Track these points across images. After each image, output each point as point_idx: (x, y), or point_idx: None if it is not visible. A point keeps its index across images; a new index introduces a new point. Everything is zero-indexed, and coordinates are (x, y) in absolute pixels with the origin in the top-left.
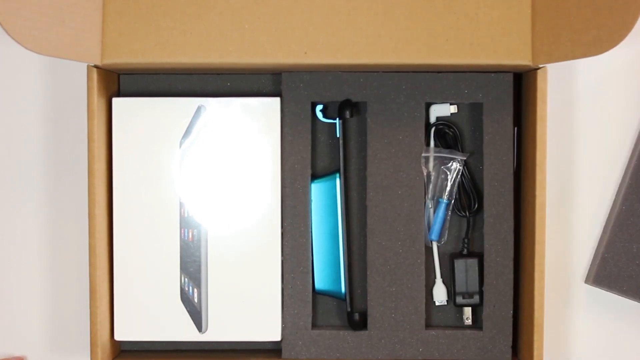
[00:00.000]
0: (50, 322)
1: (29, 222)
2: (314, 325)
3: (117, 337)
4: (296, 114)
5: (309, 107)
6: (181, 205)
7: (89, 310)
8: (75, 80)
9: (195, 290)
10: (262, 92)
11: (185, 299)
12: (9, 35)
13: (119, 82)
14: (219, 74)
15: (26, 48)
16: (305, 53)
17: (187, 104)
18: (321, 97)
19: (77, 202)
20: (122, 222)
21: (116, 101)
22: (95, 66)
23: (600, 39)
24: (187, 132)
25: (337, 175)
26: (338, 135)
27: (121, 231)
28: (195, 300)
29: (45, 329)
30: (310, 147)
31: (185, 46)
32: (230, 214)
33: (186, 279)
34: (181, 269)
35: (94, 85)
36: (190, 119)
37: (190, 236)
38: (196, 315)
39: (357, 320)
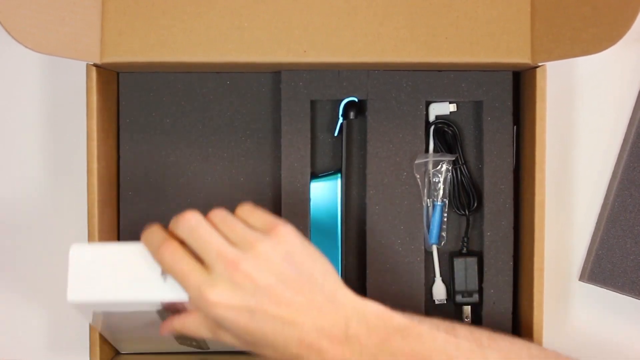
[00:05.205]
0: (49, 322)
1: (28, 222)
2: None
3: None
4: (295, 113)
5: (308, 105)
6: None
7: None
8: (75, 79)
9: None
10: (261, 91)
11: None
12: (8, 33)
13: (118, 80)
14: (218, 72)
15: (25, 46)
16: (305, 51)
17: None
18: (321, 96)
19: (75, 201)
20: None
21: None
22: (95, 65)
23: (599, 37)
24: None
25: (339, 175)
26: (336, 135)
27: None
28: None
29: (44, 330)
30: (309, 146)
31: (185, 45)
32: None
33: None
34: None
35: (93, 83)
36: None
37: None
38: None
39: None
